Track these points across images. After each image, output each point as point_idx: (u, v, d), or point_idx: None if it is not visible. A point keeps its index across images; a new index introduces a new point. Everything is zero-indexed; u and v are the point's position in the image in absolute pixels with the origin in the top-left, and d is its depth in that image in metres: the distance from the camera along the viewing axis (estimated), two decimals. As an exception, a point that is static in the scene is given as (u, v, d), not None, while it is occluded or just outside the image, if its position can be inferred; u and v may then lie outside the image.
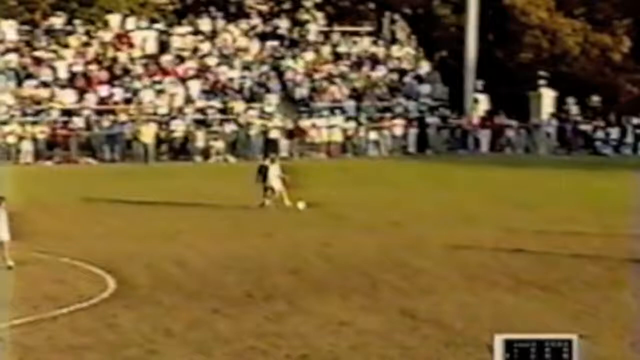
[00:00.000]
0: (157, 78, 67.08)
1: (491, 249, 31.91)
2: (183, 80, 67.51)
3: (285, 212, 39.55)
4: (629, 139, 66.87)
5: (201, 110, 65.61)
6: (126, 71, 67.06)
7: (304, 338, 21.96)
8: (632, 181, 50.35)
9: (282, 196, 41.25)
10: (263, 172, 41.06)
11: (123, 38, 69.42)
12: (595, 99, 70.55)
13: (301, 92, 68.94)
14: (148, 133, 61.97)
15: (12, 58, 66.29)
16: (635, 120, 67.27)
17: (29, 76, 65.64)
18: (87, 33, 69.17)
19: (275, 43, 72.18)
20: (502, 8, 73.28)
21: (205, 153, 62.70)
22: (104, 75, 66.71)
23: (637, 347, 21.37)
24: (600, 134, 67.21)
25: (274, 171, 41.90)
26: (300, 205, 40.25)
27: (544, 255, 30.94)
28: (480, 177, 43.66)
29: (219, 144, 62.99)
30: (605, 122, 67.79)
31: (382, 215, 37.37)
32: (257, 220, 37.93)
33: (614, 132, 67.22)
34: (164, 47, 69.66)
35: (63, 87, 65.10)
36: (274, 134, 64.09)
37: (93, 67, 67.01)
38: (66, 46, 68.02)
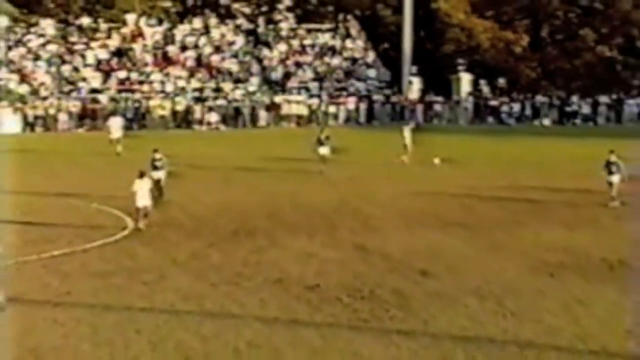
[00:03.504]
0: (163, 64, 66.82)
1: (424, 197, 32.02)
2: (185, 66, 67.23)
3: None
4: (527, 111, 67.21)
5: (199, 90, 65.42)
6: (140, 59, 66.79)
7: (279, 266, 22.01)
8: (530, 144, 50.75)
9: (409, 153, 40.51)
10: (319, 139, 38.28)
11: (137, 33, 69.01)
12: (502, 81, 70.88)
13: (276, 75, 68.88)
14: (166, 107, 62.15)
15: (51, 48, 65.78)
16: (532, 97, 67.68)
17: (64, 62, 65.18)
18: (109, 29, 68.71)
19: (256, 37, 71.99)
20: (431, 11, 73.22)
21: (202, 123, 62.46)
22: (122, 61, 66.35)
23: (535, 270, 21.56)
24: (505, 108, 67.46)
25: (407, 132, 41.18)
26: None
27: (464, 201, 31.09)
28: (415, 141, 43.74)
29: (213, 116, 62.77)
30: (510, 99, 68.08)
31: (340, 172, 37.34)
32: (242, 176, 37.84)
33: (516, 107, 67.53)
34: (169, 40, 69.27)
35: (91, 71, 64.82)
36: (255, 109, 64.16)
37: (114, 55, 66.64)
38: (93, 39, 67.54)
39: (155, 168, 30.42)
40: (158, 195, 30.07)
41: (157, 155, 30.77)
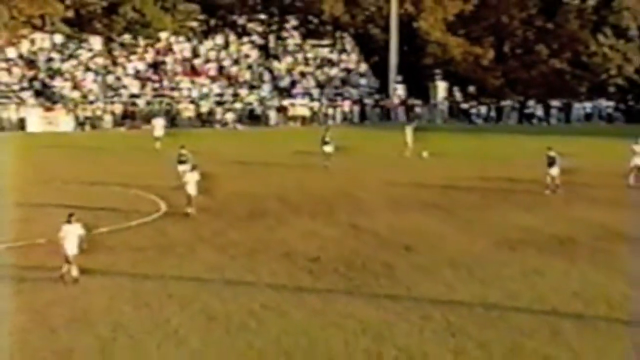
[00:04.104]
0: (190, 74, 66.81)
1: (408, 185, 32.00)
2: (208, 75, 67.16)
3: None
4: (493, 113, 67.13)
5: (219, 95, 65.32)
6: (171, 70, 66.76)
7: (286, 242, 21.99)
8: (495, 140, 50.70)
9: (409, 149, 40.13)
10: (323, 139, 37.76)
11: (169, 48, 68.88)
12: (471, 88, 70.78)
13: (284, 83, 68.71)
14: (191, 110, 62.11)
15: (98, 61, 65.65)
16: (497, 102, 67.67)
17: (109, 72, 65.07)
18: (146, 45, 68.54)
19: (267, 51, 71.84)
20: (413, 30, 72.98)
21: (222, 123, 62.35)
22: (157, 72, 66.30)
23: (499, 245, 21.56)
24: (474, 110, 67.37)
25: (409, 131, 40.91)
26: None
27: (441, 188, 31.06)
28: (399, 138, 43.65)
29: (231, 116, 62.62)
30: (478, 103, 68.00)
31: (337, 163, 37.25)
32: (256, 167, 37.77)
33: (483, 109, 67.45)
34: (195, 54, 69.11)
35: (131, 79, 64.78)
36: (266, 111, 64.07)
37: (150, 67, 66.56)
38: (132, 53, 67.41)
39: (181, 162, 30.25)
40: (180, 184, 29.56)
41: (183, 151, 30.58)
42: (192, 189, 25.47)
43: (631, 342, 14.40)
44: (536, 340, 14.67)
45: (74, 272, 18.03)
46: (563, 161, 29.76)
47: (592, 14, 70.18)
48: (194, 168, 26.11)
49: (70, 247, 18.03)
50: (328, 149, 37.49)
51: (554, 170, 29.18)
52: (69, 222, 18.29)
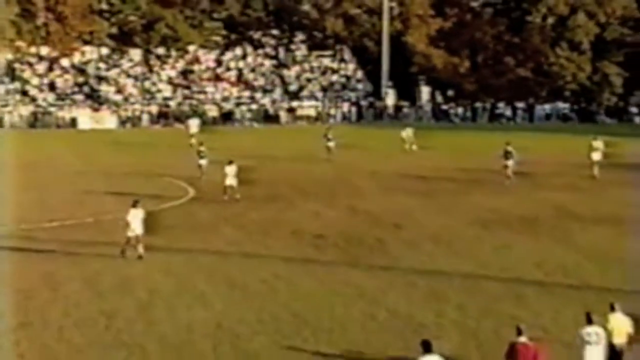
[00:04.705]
0: (214, 80, 66.61)
1: (396, 173, 31.88)
2: (229, 81, 66.99)
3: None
4: (468, 113, 66.86)
5: (238, 97, 65.15)
6: (198, 77, 66.57)
7: (295, 222, 21.99)
8: (470, 137, 50.55)
9: (407, 144, 39.70)
10: (326, 136, 37.12)
11: (196, 58, 68.65)
12: (451, 92, 70.41)
13: (293, 87, 68.45)
14: (215, 110, 61.99)
15: (137, 69, 65.50)
16: (472, 104, 67.41)
17: (146, 79, 64.92)
18: (177, 56, 68.30)
19: (279, 61, 71.53)
20: (402, 43, 72.58)
21: (241, 121, 62.09)
22: (186, 78, 66.16)
23: (474, 224, 21.43)
24: (453, 111, 67.04)
25: (409, 132, 40.32)
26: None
27: (424, 177, 30.90)
28: (390, 134, 43.47)
29: (248, 116, 62.36)
30: (456, 104, 67.69)
31: (338, 156, 36.90)
32: (269, 159, 37.60)
33: (460, 110, 67.15)
34: (218, 63, 68.89)
35: (165, 85, 64.66)
36: (278, 111, 63.87)
37: (180, 74, 66.39)
38: (166, 63, 67.21)
39: (201, 157, 29.84)
40: (201, 175, 29.16)
41: (202, 148, 30.38)
42: (231, 180, 24.85)
43: (582, 304, 14.41)
44: (504, 303, 14.68)
45: (140, 249, 17.91)
46: (517, 156, 29.43)
47: (551, 31, 69.95)
48: (231, 162, 25.46)
49: (136, 227, 17.87)
50: (330, 144, 37.27)
51: (510, 162, 28.82)
52: (134, 206, 18.21)
